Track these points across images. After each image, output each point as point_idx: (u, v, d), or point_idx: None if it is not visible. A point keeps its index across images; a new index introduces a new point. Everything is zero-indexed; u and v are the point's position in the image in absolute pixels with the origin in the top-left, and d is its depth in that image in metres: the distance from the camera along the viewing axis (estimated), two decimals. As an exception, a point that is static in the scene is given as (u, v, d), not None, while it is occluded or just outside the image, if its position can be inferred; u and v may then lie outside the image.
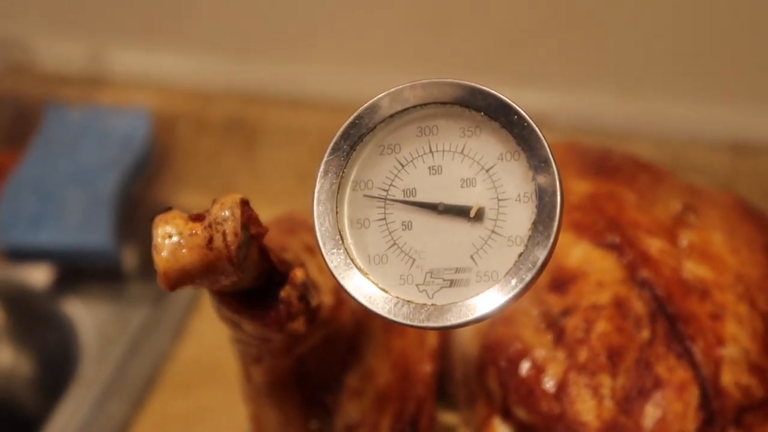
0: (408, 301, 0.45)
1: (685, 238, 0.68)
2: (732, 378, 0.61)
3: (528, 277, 0.44)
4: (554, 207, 0.44)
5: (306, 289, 0.55)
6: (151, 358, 1.01)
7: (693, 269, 0.66)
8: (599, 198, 0.70)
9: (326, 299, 0.61)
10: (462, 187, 0.46)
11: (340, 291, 0.63)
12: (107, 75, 1.23)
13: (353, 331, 0.64)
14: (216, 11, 1.20)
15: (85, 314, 1.04)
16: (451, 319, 0.44)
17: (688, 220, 0.70)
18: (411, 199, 0.46)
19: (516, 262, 0.44)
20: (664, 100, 1.14)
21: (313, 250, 0.63)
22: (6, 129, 1.20)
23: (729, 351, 0.62)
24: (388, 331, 0.66)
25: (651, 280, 0.64)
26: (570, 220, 0.68)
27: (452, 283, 0.45)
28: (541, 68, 1.14)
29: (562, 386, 0.61)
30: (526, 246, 0.44)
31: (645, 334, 0.62)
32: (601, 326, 0.62)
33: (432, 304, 0.45)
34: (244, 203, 0.50)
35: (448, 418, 0.68)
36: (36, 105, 1.18)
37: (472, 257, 0.45)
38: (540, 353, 0.62)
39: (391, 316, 0.45)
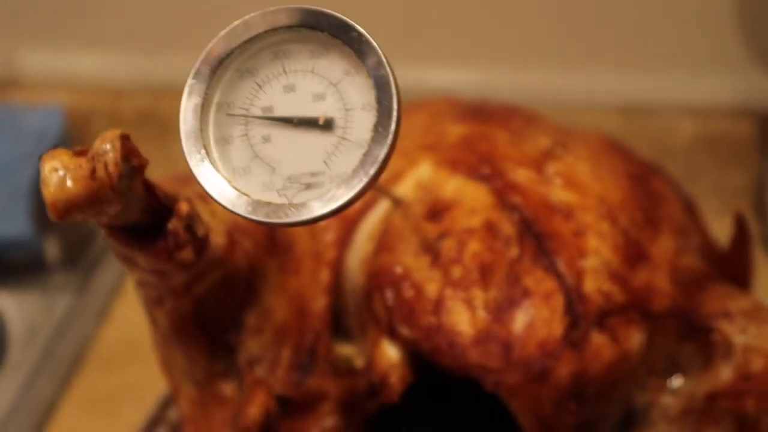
0: (268, 203, 0.50)
1: (551, 168, 0.72)
2: (594, 285, 0.66)
3: (372, 171, 0.49)
4: (391, 109, 0.49)
5: (192, 220, 0.60)
6: (76, 341, 1.03)
7: (558, 194, 0.70)
8: (473, 138, 0.74)
9: (219, 240, 0.65)
10: (314, 101, 0.51)
11: (233, 232, 0.68)
12: (18, 76, 1.25)
13: (248, 271, 0.68)
14: (124, 8, 1.22)
15: (10, 304, 1.05)
16: (307, 215, 0.49)
17: (556, 154, 0.74)
18: (269, 115, 0.51)
19: (361, 160, 0.49)
20: (556, 71, 1.20)
21: (206, 197, 0.67)
22: None
23: (591, 262, 0.66)
24: (283, 271, 0.70)
25: (519, 205, 0.69)
26: (445, 158, 0.72)
27: (309, 186, 0.50)
28: (440, 48, 1.19)
29: (439, 302, 0.65)
30: (369, 145, 0.49)
31: (514, 251, 0.67)
32: (473, 246, 0.66)
33: (290, 204, 0.50)
34: (125, 137, 0.55)
35: (345, 349, 0.72)
36: (-51, 107, 1.20)
37: (325, 162, 0.50)
38: (418, 275, 0.66)
39: (252, 216, 0.50)
